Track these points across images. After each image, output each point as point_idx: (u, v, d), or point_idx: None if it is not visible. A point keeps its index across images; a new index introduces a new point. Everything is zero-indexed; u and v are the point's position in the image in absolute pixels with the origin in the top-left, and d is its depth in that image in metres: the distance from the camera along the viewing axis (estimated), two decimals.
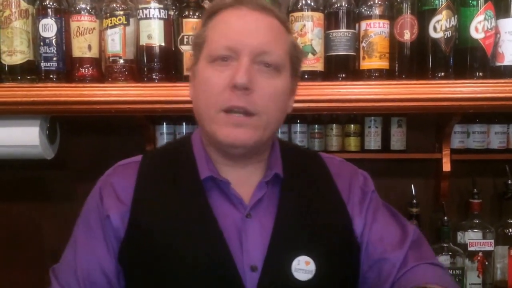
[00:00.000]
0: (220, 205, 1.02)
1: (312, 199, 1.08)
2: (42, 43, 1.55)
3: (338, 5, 1.58)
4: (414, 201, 1.83)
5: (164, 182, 1.05)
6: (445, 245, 1.83)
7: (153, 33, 1.54)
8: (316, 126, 1.87)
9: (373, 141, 1.84)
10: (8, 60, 1.56)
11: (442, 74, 1.56)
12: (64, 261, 1.07)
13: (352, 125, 1.86)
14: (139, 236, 1.00)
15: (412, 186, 1.83)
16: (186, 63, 1.57)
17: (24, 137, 1.62)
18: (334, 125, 1.86)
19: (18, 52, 1.56)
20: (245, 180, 1.06)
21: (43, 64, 1.56)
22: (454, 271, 1.80)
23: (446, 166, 1.79)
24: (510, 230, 1.84)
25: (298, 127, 1.85)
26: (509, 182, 1.86)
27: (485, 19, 1.55)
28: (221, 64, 0.99)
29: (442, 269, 1.08)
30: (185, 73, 1.57)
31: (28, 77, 1.58)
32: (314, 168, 1.15)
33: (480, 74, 1.56)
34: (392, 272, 1.03)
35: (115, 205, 1.02)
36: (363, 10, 1.59)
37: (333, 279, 1.02)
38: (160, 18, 1.54)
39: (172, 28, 1.60)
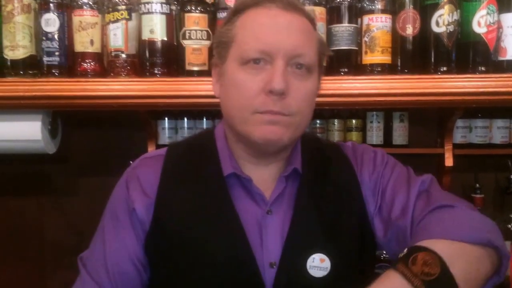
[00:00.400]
0: (242, 201, 1.02)
1: (331, 195, 1.07)
2: (44, 38, 1.55)
3: None
4: None
5: (188, 177, 1.05)
6: None
7: (155, 27, 1.54)
8: (318, 121, 1.87)
9: (375, 136, 1.84)
10: (10, 55, 1.56)
11: (445, 68, 1.56)
12: (93, 250, 1.08)
13: (354, 120, 1.86)
14: (162, 229, 1.01)
15: None
16: (188, 57, 1.57)
17: (26, 132, 1.63)
18: (336, 120, 1.86)
19: (20, 47, 1.56)
20: (266, 177, 1.06)
21: (45, 58, 1.56)
22: None
23: (449, 161, 1.79)
24: None
25: None
26: (511, 177, 1.85)
27: (487, 13, 1.54)
28: (254, 67, 0.97)
29: (453, 209, 0.96)
30: (187, 67, 1.57)
31: (30, 72, 1.58)
32: (334, 161, 1.13)
33: (482, 68, 1.56)
34: (406, 236, 0.98)
35: (140, 198, 1.03)
36: (365, 4, 1.59)
37: (348, 274, 1.02)
38: (162, 13, 1.54)
39: (174, 23, 1.60)
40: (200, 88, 1.53)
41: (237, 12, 1.03)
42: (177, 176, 1.06)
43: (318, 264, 0.98)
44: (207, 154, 1.08)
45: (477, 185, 1.84)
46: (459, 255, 0.85)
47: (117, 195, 1.08)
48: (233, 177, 1.04)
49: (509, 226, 1.85)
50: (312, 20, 1.06)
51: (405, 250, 0.84)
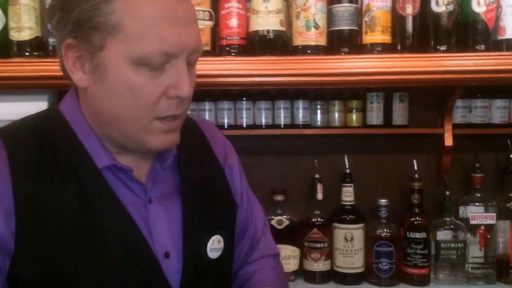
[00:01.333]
0: (122, 193, 0.92)
1: (209, 177, 1.05)
2: None
3: None
4: (416, 175, 1.85)
5: (49, 174, 0.88)
6: (447, 219, 1.85)
7: None
8: (319, 102, 1.89)
9: (375, 116, 1.87)
10: (16, 36, 1.59)
11: (444, 47, 1.58)
12: None
13: (354, 101, 1.88)
14: (34, 242, 0.83)
15: (414, 161, 1.84)
16: None
17: (32, 112, 1.65)
18: (336, 101, 1.88)
19: (26, 28, 1.58)
20: (138, 165, 0.96)
21: (50, 40, 1.59)
22: (456, 244, 1.83)
23: (448, 141, 1.82)
24: None
25: (300, 104, 1.87)
26: (511, 156, 1.87)
27: None
28: (153, 69, 0.85)
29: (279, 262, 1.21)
30: None
31: (36, 53, 1.61)
32: (196, 138, 1.09)
33: (482, 47, 1.58)
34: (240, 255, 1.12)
35: None
36: None
37: (232, 250, 1.07)
38: None
39: None
40: (201, 67, 1.55)
41: None
42: (35, 173, 0.86)
43: (216, 245, 1.00)
44: (66, 142, 0.92)
45: (477, 164, 1.86)
46: None
47: None
48: (107, 169, 0.92)
49: (509, 205, 1.87)
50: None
51: None
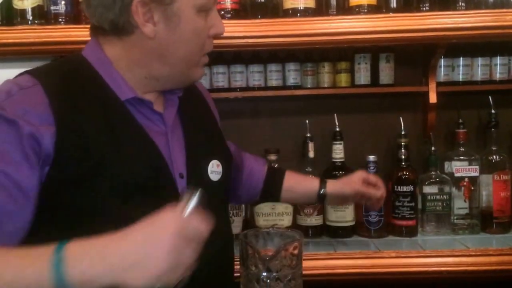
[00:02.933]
0: (143, 122, 1.06)
1: (203, 110, 1.25)
2: None
3: None
4: (403, 132, 1.93)
5: (81, 104, 0.99)
6: (433, 173, 1.95)
7: None
8: (309, 64, 1.98)
9: (362, 76, 1.95)
10: (19, 5, 1.66)
11: (427, 6, 1.67)
12: None
13: (342, 62, 1.96)
14: (70, 155, 0.95)
15: (401, 118, 1.92)
16: None
17: None
18: (325, 63, 1.97)
19: None
20: (156, 100, 1.11)
21: (52, 7, 1.67)
22: (441, 196, 1.93)
23: (432, 98, 1.91)
24: (494, 157, 1.95)
25: (291, 66, 1.96)
26: (493, 112, 1.96)
27: None
28: (205, 14, 1.05)
29: None
30: None
31: (37, 22, 1.68)
32: (192, 86, 1.24)
33: (462, 5, 1.67)
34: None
35: (40, 130, 0.93)
36: None
37: (230, 175, 1.21)
38: None
39: None
40: None
41: None
42: (69, 103, 0.98)
43: (216, 169, 1.14)
44: (91, 79, 1.04)
45: (460, 120, 1.95)
46: None
47: (6, 133, 0.93)
48: (128, 102, 1.04)
49: (491, 158, 1.97)
50: None
51: None
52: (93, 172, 0.96)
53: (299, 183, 1.50)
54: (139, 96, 1.05)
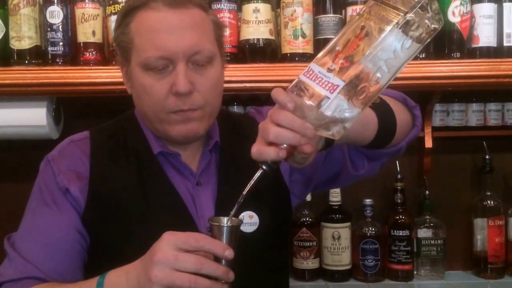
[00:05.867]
0: (173, 176, 1.11)
1: (248, 160, 1.13)
2: (49, 29, 1.65)
3: None
4: (399, 176, 1.95)
5: (118, 156, 1.11)
6: (427, 217, 1.96)
7: None
8: None
9: None
10: (17, 45, 1.65)
11: (423, 55, 1.69)
12: (25, 230, 1.10)
13: None
14: (99, 206, 1.06)
15: (397, 162, 1.94)
16: None
17: (32, 118, 1.71)
18: None
19: (26, 38, 1.65)
20: (189, 153, 1.15)
21: (50, 48, 1.65)
22: (436, 241, 1.93)
23: (428, 143, 1.92)
24: (489, 202, 1.96)
25: None
26: (487, 157, 1.98)
27: (461, 4, 1.68)
28: (158, 72, 1.03)
29: None
30: None
31: (35, 62, 1.67)
32: (246, 127, 1.20)
33: (457, 55, 1.70)
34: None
35: (72, 179, 1.07)
36: None
37: (274, 227, 1.16)
38: None
39: None
40: None
41: (127, 15, 1.07)
42: (107, 155, 1.11)
43: (248, 220, 1.11)
44: (133, 135, 1.15)
45: None
46: (389, 100, 1.12)
47: (45, 178, 1.10)
48: (160, 155, 1.12)
49: (485, 203, 1.97)
50: (201, 6, 1.08)
51: None
52: (121, 239, 1.04)
53: None
54: (165, 149, 1.11)
